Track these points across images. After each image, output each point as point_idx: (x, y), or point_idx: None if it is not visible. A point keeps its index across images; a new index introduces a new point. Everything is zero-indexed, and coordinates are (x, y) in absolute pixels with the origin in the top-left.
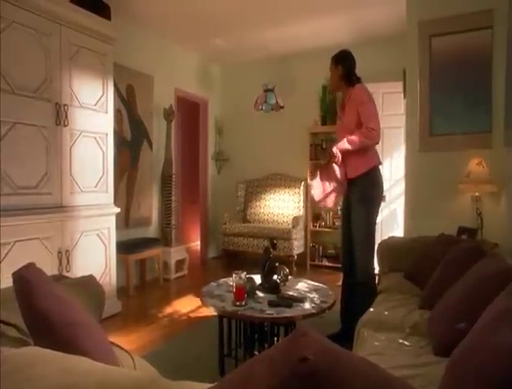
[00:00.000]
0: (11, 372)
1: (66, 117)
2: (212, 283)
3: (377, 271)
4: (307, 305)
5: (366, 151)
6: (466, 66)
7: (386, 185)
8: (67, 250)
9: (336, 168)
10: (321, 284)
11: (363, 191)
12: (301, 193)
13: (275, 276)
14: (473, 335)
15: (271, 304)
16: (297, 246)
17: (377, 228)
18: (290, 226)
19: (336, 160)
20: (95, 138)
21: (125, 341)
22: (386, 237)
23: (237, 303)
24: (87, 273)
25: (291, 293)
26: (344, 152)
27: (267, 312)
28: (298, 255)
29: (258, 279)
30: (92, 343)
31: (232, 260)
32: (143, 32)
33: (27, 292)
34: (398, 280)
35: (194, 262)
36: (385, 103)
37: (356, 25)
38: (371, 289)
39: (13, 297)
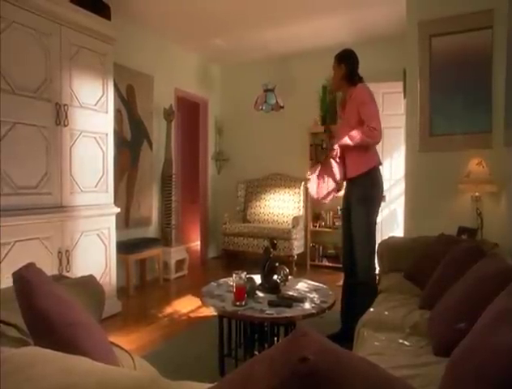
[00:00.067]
0: (11, 372)
1: (66, 117)
2: (212, 283)
3: (377, 271)
4: (307, 305)
5: (367, 151)
6: (466, 66)
7: (386, 185)
8: (67, 250)
9: (334, 164)
10: (321, 284)
11: (363, 191)
12: (301, 193)
13: (275, 276)
14: (473, 335)
15: (271, 304)
16: (297, 246)
17: (377, 228)
18: (290, 226)
19: (334, 154)
20: (95, 138)
21: (125, 341)
22: (386, 237)
23: (237, 303)
24: (87, 273)
25: (291, 293)
26: (345, 151)
27: (267, 312)
28: (298, 255)
29: (258, 279)
30: (92, 343)
31: (232, 260)
32: (143, 32)
33: (28, 292)
34: (399, 280)
35: (194, 262)
36: (385, 103)
37: (356, 25)
38: (372, 289)
39: (13, 297)
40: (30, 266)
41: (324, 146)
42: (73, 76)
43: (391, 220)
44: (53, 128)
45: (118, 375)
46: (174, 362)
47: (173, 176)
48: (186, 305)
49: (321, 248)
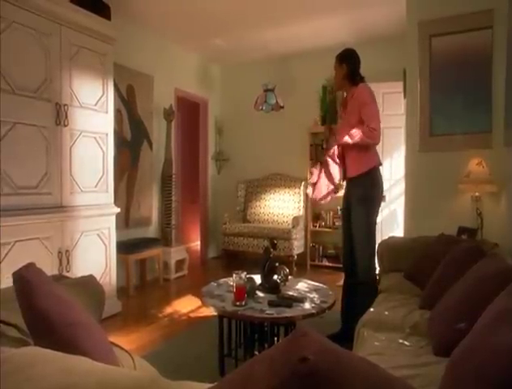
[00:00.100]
0: (11, 372)
1: (66, 117)
2: (212, 283)
3: (377, 270)
4: (307, 305)
5: (367, 151)
6: (466, 66)
7: (386, 185)
8: (67, 250)
9: (332, 164)
10: (321, 284)
11: (363, 191)
12: (301, 193)
13: (275, 276)
14: (473, 335)
15: (271, 304)
16: (297, 246)
17: (377, 228)
18: (290, 226)
19: (331, 152)
20: (95, 138)
21: (125, 341)
22: (386, 237)
23: (237, 303)
24: (87, 273)
25: (291, 293)
26: (345, 150)
27: (267, 312)
28: (298, 255)
29: (258, 279)
30: (92, 343)
31: (232, 260)
32: (143, 32)
33: (28, 292)
34: (399, 280)
35: (194, 262)
36: (385, 103)
37: (356, 25)
38: (372, 289)
39: (13, 297)
40: (30, 266)
41: (324, 146)
42: (73, 76)
43: (391, 220)
44: (53, 128)
45: (118, 375)
46: (174, 362)
47: (173, 176)
48: (186, 305)
49: (321, 248)
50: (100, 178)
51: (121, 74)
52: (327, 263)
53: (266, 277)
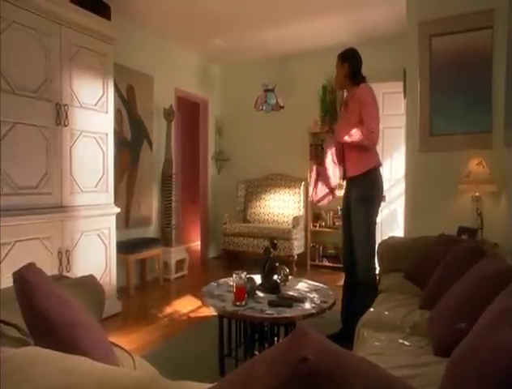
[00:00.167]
0: (11, 372)
1: (67, 117)
2: (212, 283)
3: (377, 270)
4: (307, 305)
5: (367, 151)
6: (466, 66)
7: (386, 186)
8: (67, 250)
9: (329, 167)
10: (321, 284)
11: (363, 191)
12: (301, 193)
13: (275, 276)
14: (473, 335)
15: (271, 304)
16: (297, 246)
17: (377, 228)
18: (290, 226)
19: (331, 158)
20: (95, 138)
21: (126, 341)
22: (386, 237)
23: (237, 303)
24: (87, 273)
25: (291, 293)
26: (345, 150)
27: (267, 312)
28: (298, 255)
29: (258, 279)
30: (92, 343)
31: (233, 260)
32: (143, 32)
33: (28, 292)
34: (399, 280)
35: (194, 262)
36: (385, 103)
37: (356, 25)
38: (372, 289)
39: (13, 297)
40: (30, 266)
41: (324, 146)
42: (73, 76)
43: (391, 220)
44: (53, 128)
45: (118, 375)
46: (174, 362)
47: (173, 176)
48: (186, 305)
49: (321, 248)
50: (100, 178)
51: (121, 74)
52: (327, 263)
53: (267, 277)
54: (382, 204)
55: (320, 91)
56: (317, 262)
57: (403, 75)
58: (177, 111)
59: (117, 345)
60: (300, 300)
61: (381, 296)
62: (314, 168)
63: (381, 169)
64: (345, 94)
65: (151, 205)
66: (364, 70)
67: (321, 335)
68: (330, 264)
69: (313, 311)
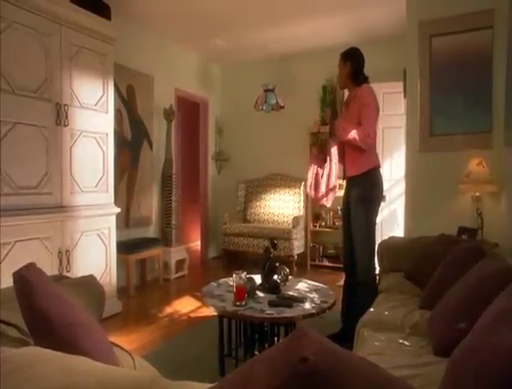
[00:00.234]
0: (11, 372)
1: (67, 117)
2: (212, 283)
3: (377, 271)
4: (307, 305)
5: (367, 151)
6: (466, 66)
7: (385, 186)
8: (67, 250)
9: (325, 170)
10: (321, 284)
11: (362, 191)
12: (301, 193)
13: (275, 276)
14: (473, 335)
15: (271, 304)
16: (297, 246)
17: (377, 228)
18: (290, 226)
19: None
20: (95, 138)
21: (126, 341)
22: (386, 237)
23: (237, 303)
24: (87, 273)
25: (291, 293)
26: (345, 150)
27: (267, 312)
28: (298, 255)
29: (258, 279)
30: (92, 343)
31: (233, 260)
32: (143, 32)
33: (28, 292)
34: (399, 280)
35: (194, 262)
36: (385, 103)
37: (356, 25)
38: (372, 289)
39: (13, 297)
40: (30, 266)
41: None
42: (73, 76)
43: (391, 220)
44: (53, 128)
45: (118, 375)
46: (174, 362)
47: (173, 176)
48: (186, 305)
49: (321, 248)
50: (101, 178)
51: (121, 74)
52: (327, 263)
53: (267, 277)
54: (382, 204)
55: (320, 91)
56: (317, 262)
57: (403, 75)
58: (177, 111)
59: (117, 345)
60: (300, 300)
61: (381, 296)
62: (315, 167)
63: (381, 169)
64: (346, 94)
65: (151, 205)
66: (365, 70)
67: (321, 335)
68: (330, 264)
69: (313, 311)
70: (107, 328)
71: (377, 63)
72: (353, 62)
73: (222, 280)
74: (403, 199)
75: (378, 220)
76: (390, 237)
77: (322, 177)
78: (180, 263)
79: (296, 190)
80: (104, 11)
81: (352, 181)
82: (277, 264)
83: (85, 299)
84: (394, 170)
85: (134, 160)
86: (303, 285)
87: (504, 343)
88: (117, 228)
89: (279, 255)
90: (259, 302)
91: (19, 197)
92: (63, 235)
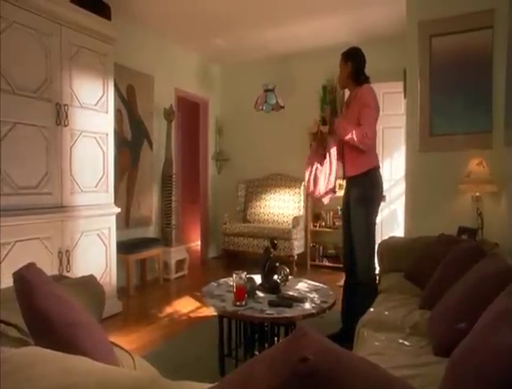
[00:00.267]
0: (11, 372)
1: (67, 117)
2: (212, 283)
3: (377, 271)
4: (307, 305)
5: (367, 151)
6: (466, 66)
7: (385, 186)
8: (67, 250)
9: (322, 172)
10: (321, 284)
11: (362, 191)
12: (301, 193)
13: (275, 276)
14: (473, 336)
15: (272, 304)
16: (297, 246)
17: (377, 228)
18: (290, 226)
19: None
20: (95, 138)
21: (126, 341)
22: (386, 237)
23: (238, 303)
24: (87, 273)
25: (291, 293)
26: (345, 149)
27: (267, 312)
28: (298, 255)
29: (258, 279)
30: (92, 343)
31: (233, 260)
32: (143, 32)
33: (28, 292)
34: (399, 280)
35: (194, 262)
36: (385, 103)
37: (356, 25)
38: (372, 289)
39: (13, 297)
40: (30, 266)
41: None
42: (73, 76)
43: (391, 220)
44: (53, 128)
45: (118, 375)
46: (174, 362)
47: (173, 176)
48: (186, 305)
49: (321, 248)
50: (101, 178)
51: (121, 74)
52: (327, 263)
53: (267, 277)
54: (382, 204)
55: (320, 91)
56: (317, 262)
57: (403, 75)
58: (177, 111)
59: (117, 345)
60: (300, 300)
61: (381, 296)
62: (317, 164)
63: (381, 170)
64: (346, 95)
65: (151, 205)
66: (365, 70)
67: (321, 335)
68: (330, 264)
69: (313, 311)
70: (107, 328)
71: (377, 63)
72: (354, 62)
73: (222, 280)
74: (403, 199)
75: (378, 220)
76: (390, 237)
77: (321, 172)
78: (180, 263)
79: (296, 190)
80: (104, 11)
81: (351, 181)
82: (277, 264)
83: (85, 299)
84: (394, 170)
85: (134, 160)
86: (303, 285)
87: (504, 343)
88: (117, 228)
89: (279, 255)
90: (259, 302)
91: (19, 197)
92: (63, 235)
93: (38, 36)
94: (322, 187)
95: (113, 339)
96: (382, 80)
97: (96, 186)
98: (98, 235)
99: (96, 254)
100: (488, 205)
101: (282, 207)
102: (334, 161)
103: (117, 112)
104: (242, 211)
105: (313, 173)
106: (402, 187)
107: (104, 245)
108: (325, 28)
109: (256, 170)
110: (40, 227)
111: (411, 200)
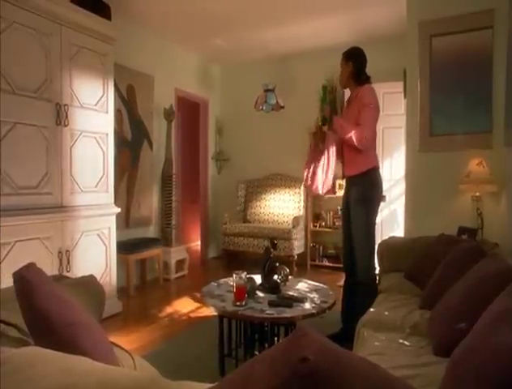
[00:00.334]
0: (11, 372)
1: (67, 117)
2: (212, 283)
3: (377, 271)
4: (307, 305)
5: (366, 151)
6: (466, 66)
7: (385, 186)
8: (67, 250)
9: (319, 172)
10: (321, 284)
11: (362, 191)
12: (301, 193)
13: (275, 276)
14: (473, 335)
15: (272, 304)
16: (297, 246)
17: (377, 228)
18: (290, 226)
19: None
20: (95, 138)
21: (126, 341)
22: (386, 237)
23: (238, 303)
24: (87, 273)
25: (291, 293)
26: (344, 149)
27: (267, 312)
28: (298, 255)
29: (258, 279)
30: (92, 343)
31: (233, 260)
32: (143, 32)
33: (28, 292)
34: (399, 280)
35: (194, 262)
36: (385, 103)
37: (356, 25)
38: (372, 289)
39: (13, 297)
40: (30, 266)
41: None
42: (73, 76)
43: (391, 220)
44: (53, 128)
45: (118, 375)
46: (174, 362)
47: (173, 176)
48: (186, 305)
49: (321, 248)
50: (101, 178)
51: (121, 74)
52: (327, 263)
53: (267, 277)
54: (382, 204)
55: (320, 91)
56: (317, 262)
57: (403, 75)
58: (177, 111)
59: (117, 345)
60: (301, 300)
61: (382, 296)
62: (316, 160)
63: (380, 170)
64: (346, 94)
65: (151, 205)
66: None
67: (321, 335)
68: (331, 264)
69: (313, 311)
70: (107, 328)
71: (377, 63)
72: (355, 62)
73: (222, 280)
74: (403, 199)
75: (378, 220)
76: (390, 237)
77: (318, 167)
78: (180, 263)
79: (296, 190)
80: (104, 11)
81: (351, 181)
82: (277, 264)
83: (85, 299)
84: (394, 170)
85: (134, 160)
86: (303, 285)
87: (504, 343)
88: (117, 228)
89: (279, 255)
90: (259, 302)
91: (19, 197)
92: (63, 235)
93: (38, 36)
94: (319, 182)
95: (113, 339)
96: (382, 80)
97: (96, 186)
98: (98, 235)
99: (96, 254)
100: (488, 205)
101: (282, 207)
102: (333, 158)
103: (117, 112)
104: (242, 211)
105: (312, 168)
106: (402, 187)
107: (104, 245)
108: (325, 28)
109: (256, 170)
110: (40, 227)
111: (411, 200)
